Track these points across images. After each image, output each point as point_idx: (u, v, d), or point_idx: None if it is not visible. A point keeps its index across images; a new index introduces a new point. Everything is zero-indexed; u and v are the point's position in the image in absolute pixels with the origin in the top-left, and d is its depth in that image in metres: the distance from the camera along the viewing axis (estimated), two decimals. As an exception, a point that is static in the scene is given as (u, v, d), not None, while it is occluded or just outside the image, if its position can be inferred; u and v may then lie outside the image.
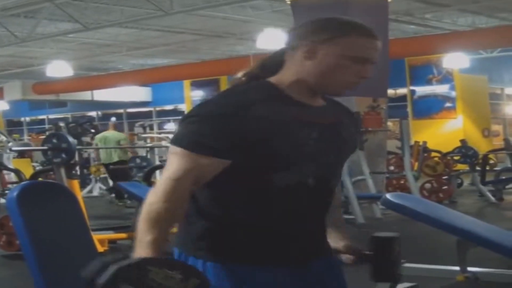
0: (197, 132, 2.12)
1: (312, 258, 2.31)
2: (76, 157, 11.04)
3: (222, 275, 2.17)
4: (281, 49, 2.33)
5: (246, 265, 2.19)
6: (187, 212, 2.25)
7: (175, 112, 30.33)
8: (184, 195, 2.10)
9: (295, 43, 2.26)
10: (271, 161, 2.17)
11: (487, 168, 14.98)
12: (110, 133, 15.59)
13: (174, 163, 2.11)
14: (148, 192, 2.12)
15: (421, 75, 24.06)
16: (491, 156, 16.63)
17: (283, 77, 2.27)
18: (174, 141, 2.15)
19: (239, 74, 2.36)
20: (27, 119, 35.61)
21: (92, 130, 17.92)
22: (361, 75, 2.24)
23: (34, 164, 17.82)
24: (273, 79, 2.28)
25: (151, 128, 27.91)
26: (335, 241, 2.46)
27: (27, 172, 12.70)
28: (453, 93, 23.62)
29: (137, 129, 22.67)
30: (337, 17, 2.32)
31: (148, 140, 21.32)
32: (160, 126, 30.11)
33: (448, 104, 23.72)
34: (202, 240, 2.22)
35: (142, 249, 2.04)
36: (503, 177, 14.52)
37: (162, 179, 2.11)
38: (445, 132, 22.76)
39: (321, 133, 2.25)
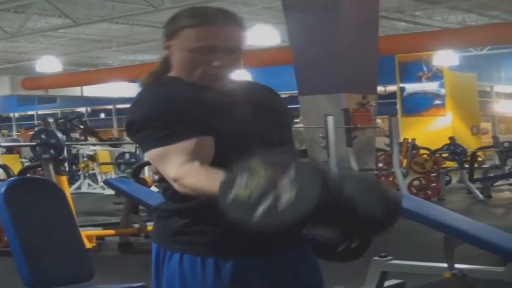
0: (160, 127, 2.11)
1: (285, 249, 2.28)
2: (65, 153, 11.02)
3: (198, 268, 2.18)
4: None
5: (221, 257, 2.19)
6: (161, 206, 2.29)
7: (164, 108, 30.24)
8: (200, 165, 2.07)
9: (163, 39, 2.29)
10: (221, 143, 2.13)
11: (476, 165, 15.03)
12: None
13: (170, 161, 2.09)
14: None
15: (411, 72, 24.11)
16: (479, 153, 16.67)
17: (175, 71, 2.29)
18: (150, 147, 2.14)
19: (144, 75, 2.36)
20: (16, 114, 35.50)
21: (81, 126, 17.91)
22: (212, 65, 2.20)
23: (23, 160, 17.78)
24: (172, 74, 2.29)
25: (141, 124, 27.89)
26: None
27: (16, 168, 12.67)
28: (443, 91, 23.68)
29: (126, 125, 22.54)
30: (184, 8, 2.31)
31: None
32: (150, 122, 30.01)
33: (437, 102, 23.78)
34: (179, 234, 2.22)
35: None
36: (491, 175, 14.57)
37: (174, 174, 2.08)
38: (434, 130, 22.81)
39: (253, 110, 2.25)
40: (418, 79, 24.02)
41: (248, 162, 1.82)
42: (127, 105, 31.40)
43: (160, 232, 2.29)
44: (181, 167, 2.06)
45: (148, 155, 2.16)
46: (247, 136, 2.19)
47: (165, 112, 2.11)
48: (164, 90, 2.19)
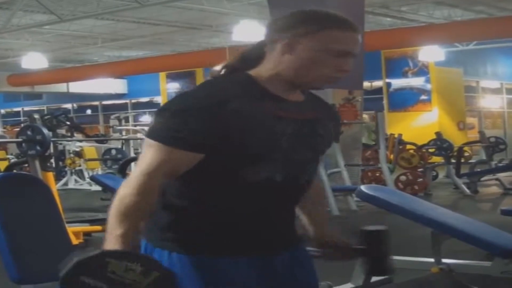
0: (172, 126, 2.09)
1: (280, 250, 2.29)
2: (51, 149, 10.98)
3: (187, 266, 2.17)
4: (261, 41, 2.29)
5: (210, 256, 2.18)
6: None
7: (150, 104, 30.22)
8: (155, 188, 2.09)
9: (274, 36, 2.23)
10: (242, 157, 2.14)
11: (462, 160, 15.07)
12: None
13: (148, 156, 2.09)
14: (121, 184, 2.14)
15: (397, 67, 24.13)
16: (466, 148, 16.72)
17: (262, 70, 2.24)
18: (149, 134, 2.13)
19: (218, 67, 2.32)
20: (2, 111, 35.36)
21: (67, 122, 17.85)
22: (340, 69, 2.23)
23: (9, 156, 17.72)
24: (252, 72, 2.25)
25: (127, 120, 27.76)
26: (316, 237, 2.49)
27: (2, 164, 12.63)
28: (429, 86, 23.72)
29: (113, 121, 22.52)
30: (317, 10, 2.30)
31: (124, 133, 21.29)
32: (136, 119, 29.96)
33: (423, 97, 23.82)
34: (168, 231, 2.21)
35: (111, 243, 2.04)
36: (478, 170, 14.60)
37: (135, 172, 2.11)
38: (420, 125, 22.84)
39: (295, 128, 2.23)
40: (404, 75, 24.05)
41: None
42: (113, 101, 31.45)
43: (148, 227, 2.24)
44: (144, 175, 2.08)
45: (146, 140, 2.15)
46: (271, 154, 2.18)
47: (193, 117, 2.08)
48: (220, 92, 2.16)
